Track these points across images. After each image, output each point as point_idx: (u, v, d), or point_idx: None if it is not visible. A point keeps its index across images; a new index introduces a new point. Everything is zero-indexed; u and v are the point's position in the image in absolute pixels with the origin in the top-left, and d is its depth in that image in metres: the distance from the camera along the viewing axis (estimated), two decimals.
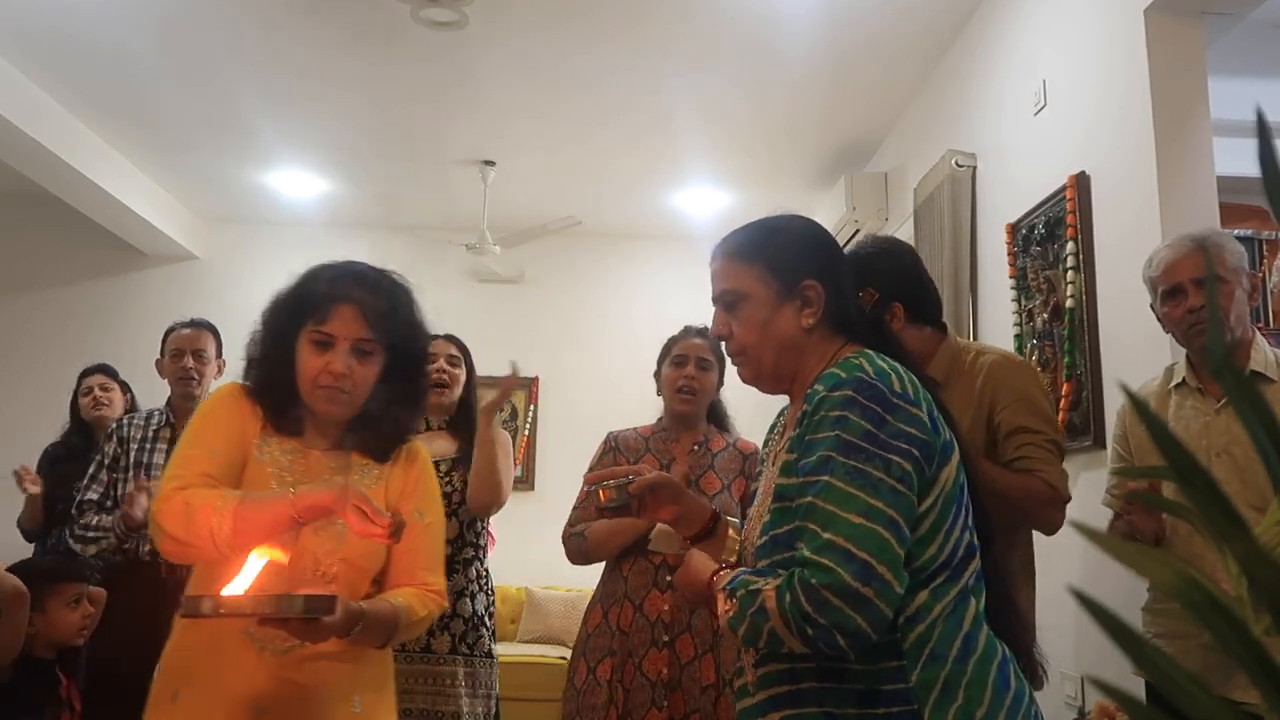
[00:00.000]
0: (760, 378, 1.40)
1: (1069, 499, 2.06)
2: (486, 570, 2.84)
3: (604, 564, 2.58)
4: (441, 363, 2.82)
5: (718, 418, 2.66)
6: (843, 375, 1.22)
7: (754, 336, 1.35)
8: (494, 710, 2.73)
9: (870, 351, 1.29)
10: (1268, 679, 0.46)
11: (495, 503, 2.70)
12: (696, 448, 2.56)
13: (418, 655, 2.63)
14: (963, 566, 1.22)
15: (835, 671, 1.19)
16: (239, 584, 1.34)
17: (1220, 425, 1.93)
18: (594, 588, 2.57)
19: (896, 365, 1.26)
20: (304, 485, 1.48)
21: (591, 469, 2.59)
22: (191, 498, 1.42)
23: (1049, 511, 1.95)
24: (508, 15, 3.86)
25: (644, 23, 3.92)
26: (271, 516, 1.41)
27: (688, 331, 2.62)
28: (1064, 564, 2.74)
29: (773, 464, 1.36)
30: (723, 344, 1.46)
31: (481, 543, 2.82)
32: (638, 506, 1.50)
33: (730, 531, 1.54)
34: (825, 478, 1.16)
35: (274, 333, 1.59)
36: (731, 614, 1.20)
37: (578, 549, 2.50)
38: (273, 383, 1.57)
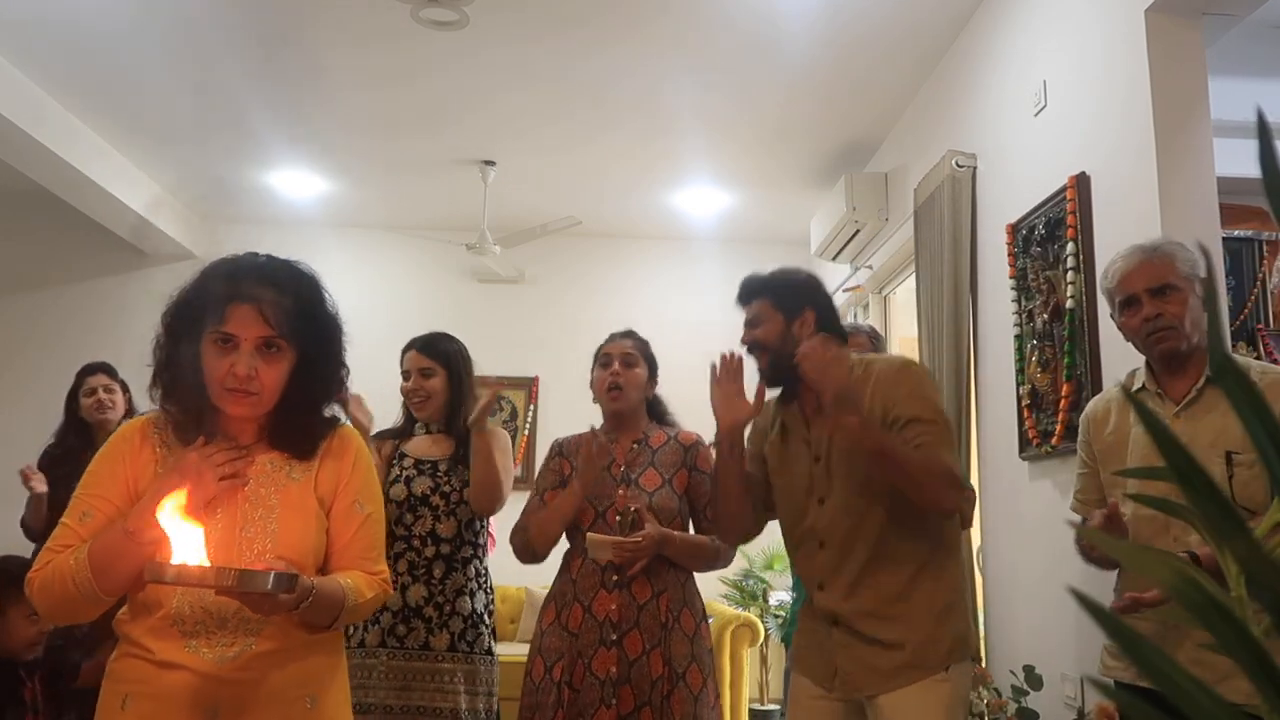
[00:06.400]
0: None
1: (966, 486, 2.08)
2: (485, 569, 2.85)
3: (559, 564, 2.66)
4: (415, 379, 2.84)
5: (658, 414, 2.76)
6: None
7: None
8: (494, 708, 2.73)
9: None
10: (1267, 679, 0.46)
11: (495, 506, 2.77)
12: (635, 445, 2.65)
13: (416, 652, 2.64)
14: None
15: None
16: (188, 553, 1.36)
17: (1178, 428, 1.96)
18: None
19: None
20: (137, 505, 1.45)
21: (540, 475, 2.74)
22: (45, 572, 1.44)
23: (946, 489, 2.00)
24: (508, 15, 3.86)
25: (644, 22, 3.92)
26: (118, 549, 1.41)
27: (612, 336, 2.77)
28: (1064, 565, 2.74)
29: None
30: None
31: (480, 541, 2.83)
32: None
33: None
34: None
35: (175, 337, 1.54)
36: None
37: (521, 544, 2.61)
38: (179, 388, 1.53)
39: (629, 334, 2.76)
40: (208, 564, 1.36)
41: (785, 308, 2.23)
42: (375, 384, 2.83)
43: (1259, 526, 0.54)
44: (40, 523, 3.49)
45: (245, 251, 1.60)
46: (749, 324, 2.27)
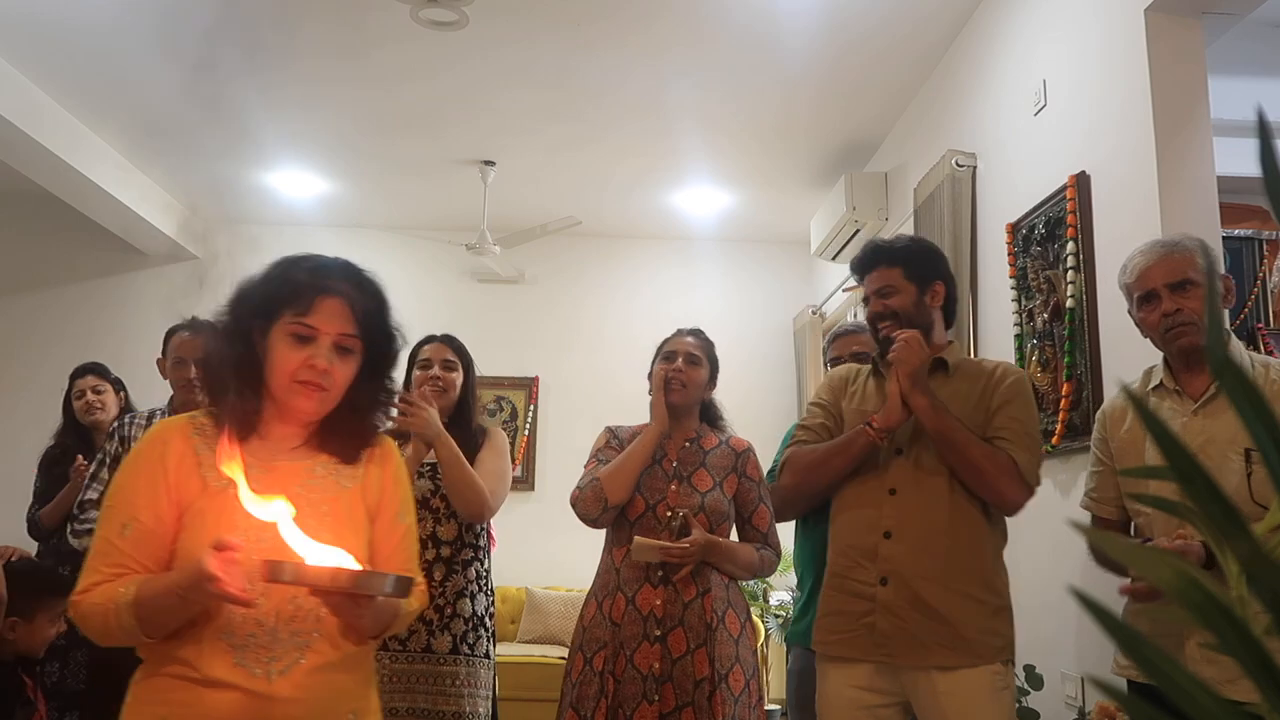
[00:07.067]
0: None
1: (1034, 485, 2.10)
2: (487, 571, 2.84)
3: (600, 558, 2.61)
4: (436, 369, 2.83)
5: (710, 417, 2.72)
6: None
7: None
8: (493, 711, 2.73)
9: None
10: (1268, 679, 0.46)
11: (481, 510, 2.69)
12: (688, 444, 2.61)
13: (419, 655, 2.63)
14: None
15: None
16: (300, 550, 1.28)
17: (1196, 426, 1.96)
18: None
19: None
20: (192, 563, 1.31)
21: (594, 455, 2.66)
22: (89, 602, 1.35)
23: (1009, 483, 2.08)
24: (508, 16, 3.86)
25: (644, 22, 3.92)
26: (169, 607, 1.33)
27: (679, 331, 2.71)
28: (1064, 564, 2.75)
29: None
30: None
31: (481, 544, 2.82)
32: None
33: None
34: None
35: (243, 326, 1.48)
36: None
37: (594, 494, 2.50)
38: (240, 380, 1.47)
39: (695, 331, 2.70)
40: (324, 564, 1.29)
41: (918, 278, 2.24)
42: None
43: (1259, 526, 0.54)
44: (58, 520, 3.47)
45: (307, 252, 1.56)
46: (879, 293, 2.26)
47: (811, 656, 2.73)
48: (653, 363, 2.68)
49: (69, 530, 3.18)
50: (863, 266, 2.31)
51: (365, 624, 1.41)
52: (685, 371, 2.59)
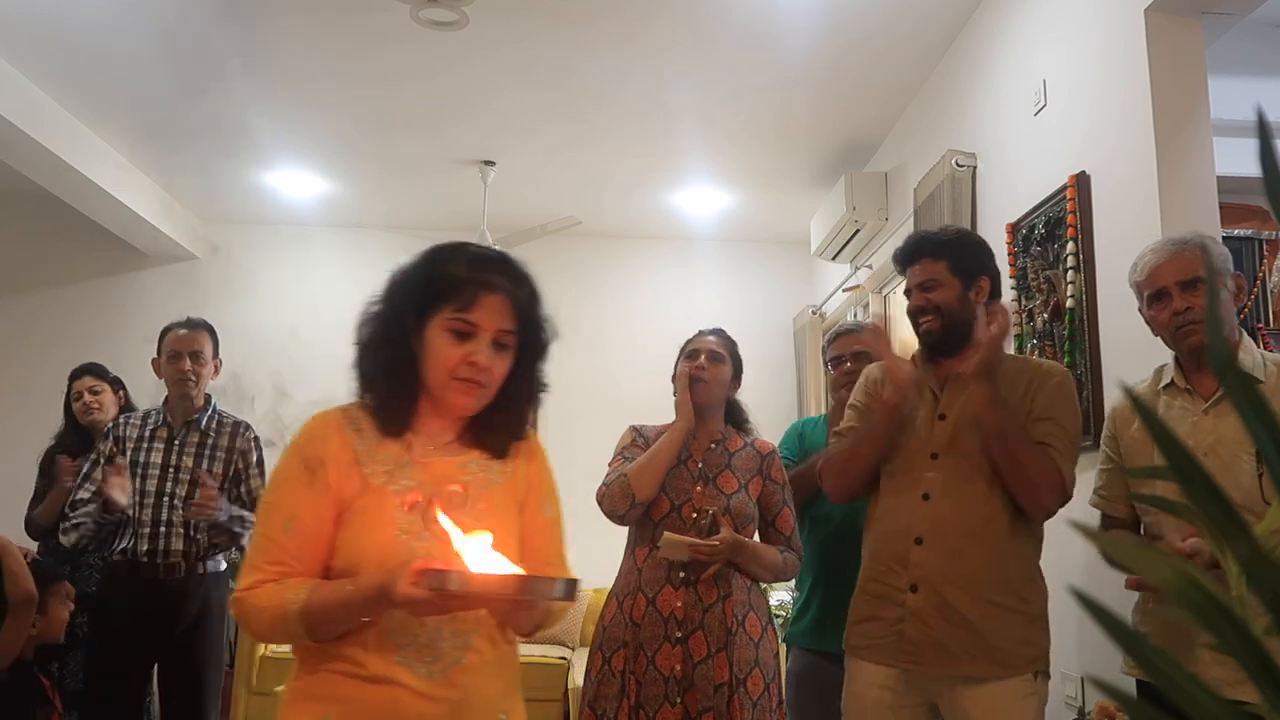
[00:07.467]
0: None
1: (1070, 497, 2.08)
2: None
3: (621, 558, 2.61)
4: None
5: (735, 419, 2.71)
6: None
7: None
8: None
9: None
10: (1268, 679, 0.46)
11: None
12: (714, 445, 2.60)
13: None
14: None
15: None
16: (472, 561, 1.26)
17: (1207, 425, 1.95)
18: (597, 587, 2.59)
19: None
20: (364, 577, 1.32)
21: (619, 454, 2.64)
22: (254, 602, 1.34)
23: (1049, 494, 2.06)
24: (508, 16, 3.86)
25: (644, 22, 3.91)
26: (340, 619, 1.32)
27: (701, 331, 2.71)
28: (1064, 564, 2.74)
29: None
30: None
31: None
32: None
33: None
34: None
35: (400, 320, 1.44)
36: None
37: (621, 490, 2.49)
38: (396, 374, 1.44)
39: (718, 331, 2.71)
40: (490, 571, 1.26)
41: (963, 271, 2.18)
42: None
43: (1260, 526, 0.54)
44: (52, 519, 3.48)
45: (465, 242, 1.53)
46: (922, 286, 2.20)
47: (811, 657, 2.73)
48: (676, 363, 2.69)
49: (60, 528, 3.18)
50: (906, 258, 2.25)
51: (526, 624, 1.42)
52: (708, 368, 2.59)
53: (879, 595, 2.15)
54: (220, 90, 4.55)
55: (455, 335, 1.42)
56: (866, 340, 2.08)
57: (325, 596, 1.32)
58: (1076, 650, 2.84)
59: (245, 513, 3.20)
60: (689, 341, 2.70)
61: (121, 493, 3.05)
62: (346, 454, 1.42)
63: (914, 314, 2.23)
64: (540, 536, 1.53)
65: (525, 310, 1.48)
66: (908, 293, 2.26)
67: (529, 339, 1.50)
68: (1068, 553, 2.69)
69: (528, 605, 1.35)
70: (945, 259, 2.18)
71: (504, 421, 1.51)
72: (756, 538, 2.60)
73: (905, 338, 5.01)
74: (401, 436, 1.44)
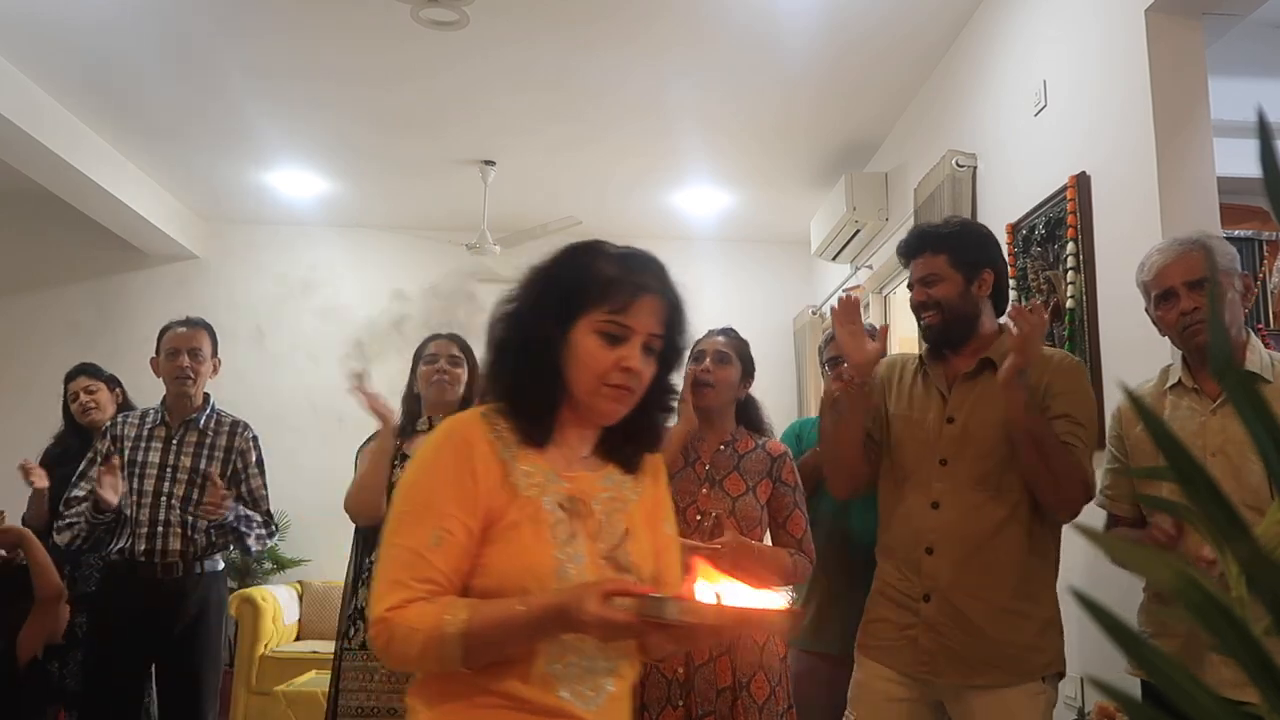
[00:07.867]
0: None
1: (1094, 493, 2.08)
2: None
3: None
4: (442, 363, 2.85)
5: (749, 419, 2.66)
6: None
7: None
8: None
9: None
10: (1268, 679, 0.46)
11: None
12: (723, 447, 2.57)
13: None
14: None
15: None
16: (699, 592, 1.19)
17: (1215, 425, 1.95)
18: None
19: None
20: (540, 595, 1.22)
21: None
22: (406, 622, 1.21)
23: (1078, 492, 2.05)
24: (508, 16, 3.86)
25: (644, 22, 3.91)
26: (502, 647, 1.21)
27: (709, 331, 2.66)
28: (1064, 564, 2.74)
29: None
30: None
31: None
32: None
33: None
34: None
35: (542, 318, 1.34)
36: None
37: None
38: (540, 375, 1.33)
39: (726, 330, 2.65)
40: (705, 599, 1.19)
41: (965, 265, 2.14)
42: (376, 384, 2.83)
43: (1260, 526, 0.54)
44: (40, 520, 3.49)
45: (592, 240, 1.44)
46: (923, 281, 2.16)
47: (810, 657, 2.73)
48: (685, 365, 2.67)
49: (54, 527, 3.18)
50: (908, 252, 2.22)
51: (670, 649, 1.34)
52: (714, 371, 2.55)
53: (894, 600, 2.15)
54: (221, 89, 4.55)
55: (606, 339, 1.32)
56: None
57: (489, 617, 1.20)
58: (1077, 650, 2.83)
59: (252, 513, 3.20)
60: (697, 342, 2.65)
61: (112, 491, 3.04)
62: (494, 462, 1.30)
63: (915, 309, 2.21)
64: (668, 554, 1.45)
65: (674, 313, 1.39)
66: (910, 287, 2.24)
67: (672, 343, 1.40)
68: (1068, 553, 2.69)
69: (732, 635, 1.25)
70: (946, 253, 2.16)
71: (641, 433, 1.41)
72: (767, 540, 2.59)
73: (904, 337, 5.02)
74: (544, 447, 1.34)
